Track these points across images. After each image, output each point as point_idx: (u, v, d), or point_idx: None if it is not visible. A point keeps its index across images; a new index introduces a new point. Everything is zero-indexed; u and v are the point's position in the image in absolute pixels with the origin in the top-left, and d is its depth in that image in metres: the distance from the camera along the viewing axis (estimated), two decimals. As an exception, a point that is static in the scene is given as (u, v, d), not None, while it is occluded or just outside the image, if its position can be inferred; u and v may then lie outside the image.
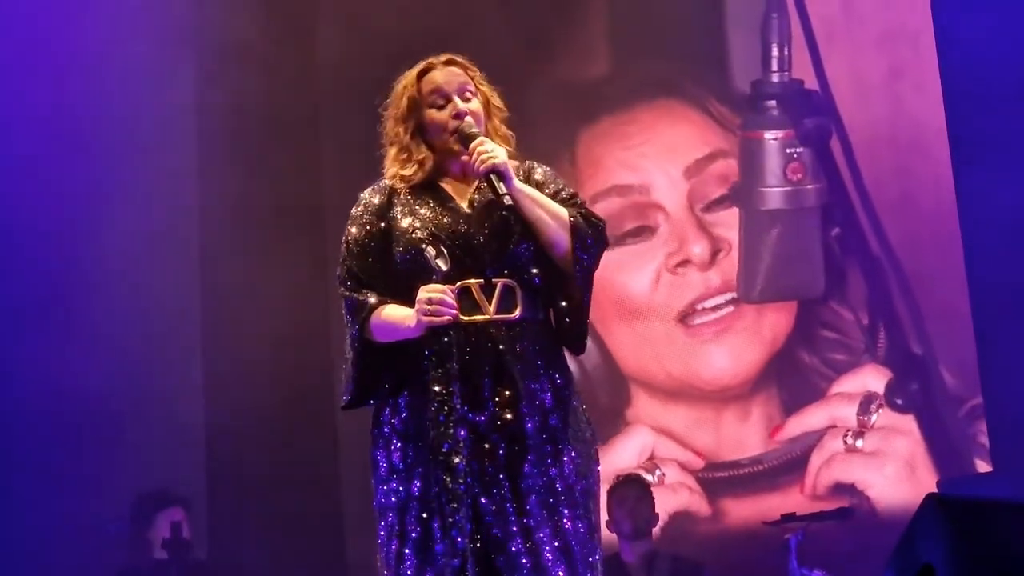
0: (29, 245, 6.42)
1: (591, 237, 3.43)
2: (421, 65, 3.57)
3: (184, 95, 6.85)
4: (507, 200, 3.35)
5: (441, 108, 3.50)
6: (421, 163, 3.49)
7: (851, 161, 6.61)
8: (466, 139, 3.45)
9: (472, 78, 3.55)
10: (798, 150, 6.65)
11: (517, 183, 3.41)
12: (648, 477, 6.45)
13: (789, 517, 5.68)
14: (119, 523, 6.29)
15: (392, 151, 3.54)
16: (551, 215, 3.41)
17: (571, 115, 6.97)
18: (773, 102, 6.74)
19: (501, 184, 3.37)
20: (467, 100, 3.51)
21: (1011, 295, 5.62)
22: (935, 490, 6.15)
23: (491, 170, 3.37)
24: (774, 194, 6.70)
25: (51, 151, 6.48)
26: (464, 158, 3.45)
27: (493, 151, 3.39)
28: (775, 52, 6.74)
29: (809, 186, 6.66)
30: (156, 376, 6.56)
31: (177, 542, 6.12)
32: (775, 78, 6.75)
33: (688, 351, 6.73)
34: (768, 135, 6.72)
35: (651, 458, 6.71)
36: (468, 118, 3.47)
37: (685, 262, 6.76)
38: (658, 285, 6.76)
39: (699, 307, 6.72)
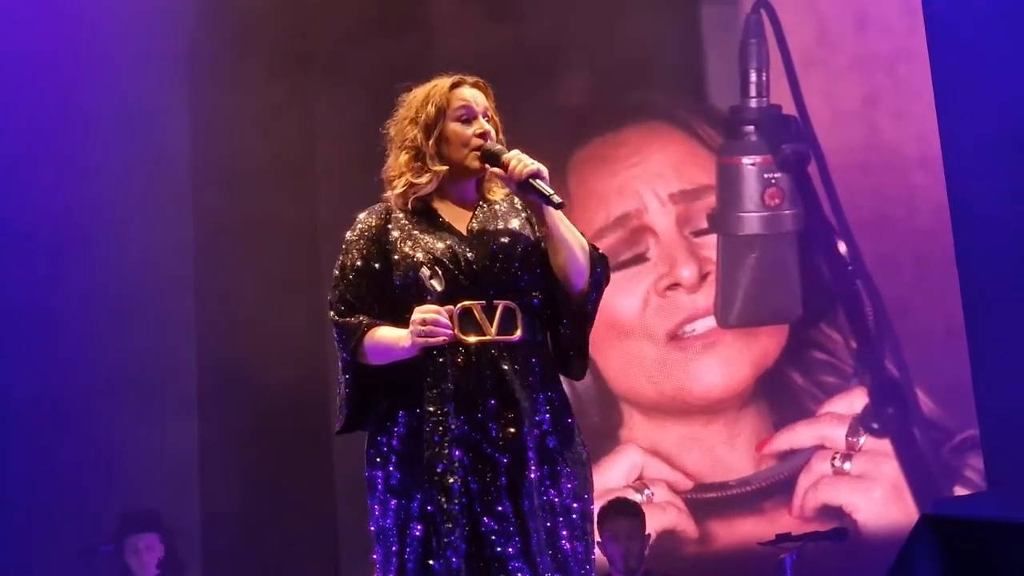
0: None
1: (603, 276, 3.50)
2: (454, 78, 3.55)
3: (180, 118, 6.87)
4: (558, 199, 3.37)
5: (466, 123, 3.49)
6: (436, 175, 3.48)
7: (828, 186, 6.67)
8: (493, 156, 3.45)
9: (492, 106, 3.57)
10: (776, 175, 6.71)
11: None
12: (637, 497, 6.45)
13: (784, 537, 5.69)
14: (110, 544, 6.28)
15: (403, 156, 3.50)
16: (575, 237, 3.45)
17: (560, 141, 7.00)
18: (751, 128, 6.79)
19: (544, 185, 3.39)
20: (488, 123, 3.53)
21: (1005, 311, 5.68)
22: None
23: (534, 174, 3.38)
24: (752, 219, 6.76)
25: (42, 160, 6.47)
26: (495, 171, 3.45)
27: (530, 160, 3.41)
28: (753, 78, 6.80)
29: (787, 211, 6.72)
30: (150, 397, 6.57)
31: (171, 563, 6.12)
32: (753, 104, 6.81)
33: (678, 366, 6.78)
34: (746, 160, 6.77)
35: (640, 478, 6.73)
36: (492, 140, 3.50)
37: (674, 285, 6.80)
38: (647, 307, 6.80)
39: (687, 329, 6.76)
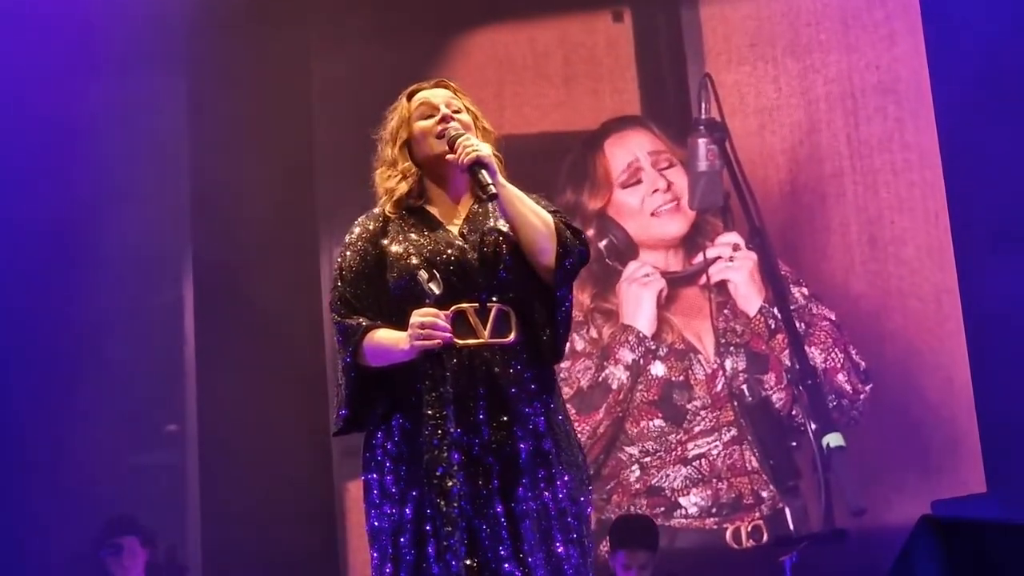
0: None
1: (575, 243, 3.45)
2: (411, 88, 3.62)
3: (177, 126, 6.88)
4: (492, 190, 3.37)
5: (429, 118, 3.53)
6: (404, 174, 3.51)
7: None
8: (451, 140, 3.46)
9: (459, 98, 3.59)
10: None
11: (503, 179, 3.43)
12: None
13: (784, 539, 5.67)
14: (109, 548, 6.26)
15: (379, 171, 3.57)
16: (536, 215, 3.42)
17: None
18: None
19: (485, 174, 3.39)
20: (455, 112, 3.54)
21: (1003, 312, 5.70)
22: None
23: (475, 161, 3.39)
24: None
25: (45, 166, 6.47)
26: (449, 157, 3.45)
27: (477, 145, 3.41)
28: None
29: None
30: (150, 402, 6.55)
31: (171, 567, 6.10)
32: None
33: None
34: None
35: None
36: (454, 123, 3.50)
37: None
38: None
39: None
